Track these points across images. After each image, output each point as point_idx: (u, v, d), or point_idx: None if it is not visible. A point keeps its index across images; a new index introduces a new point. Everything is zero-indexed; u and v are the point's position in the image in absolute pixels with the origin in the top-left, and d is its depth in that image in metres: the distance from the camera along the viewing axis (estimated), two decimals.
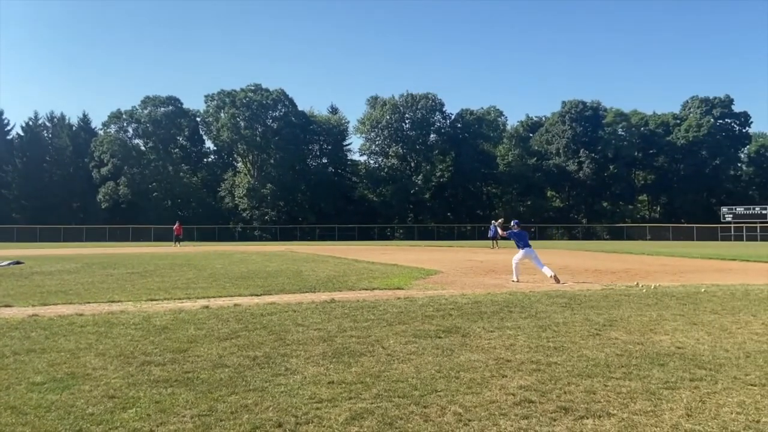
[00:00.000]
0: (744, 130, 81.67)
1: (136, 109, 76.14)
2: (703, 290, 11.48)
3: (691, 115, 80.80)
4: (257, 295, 10.99)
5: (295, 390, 4.70)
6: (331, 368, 5.41)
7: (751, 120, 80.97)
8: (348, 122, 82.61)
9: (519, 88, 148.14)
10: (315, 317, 8.29)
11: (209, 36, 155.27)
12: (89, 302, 10.02)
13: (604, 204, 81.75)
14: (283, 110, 75.49)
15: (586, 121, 79.29)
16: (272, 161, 74.54)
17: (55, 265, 19.99)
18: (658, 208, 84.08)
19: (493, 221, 20.42)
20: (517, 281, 13.80)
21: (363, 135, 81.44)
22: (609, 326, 7.59)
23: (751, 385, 4.90)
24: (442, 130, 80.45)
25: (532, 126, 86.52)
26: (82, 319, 8.14)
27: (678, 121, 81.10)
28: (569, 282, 13.69)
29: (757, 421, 4.03)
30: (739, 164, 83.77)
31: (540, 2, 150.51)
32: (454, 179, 78.49)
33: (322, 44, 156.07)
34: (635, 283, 13.14)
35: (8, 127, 76.78)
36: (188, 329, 7.36)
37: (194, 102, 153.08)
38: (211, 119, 75.72)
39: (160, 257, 25.34)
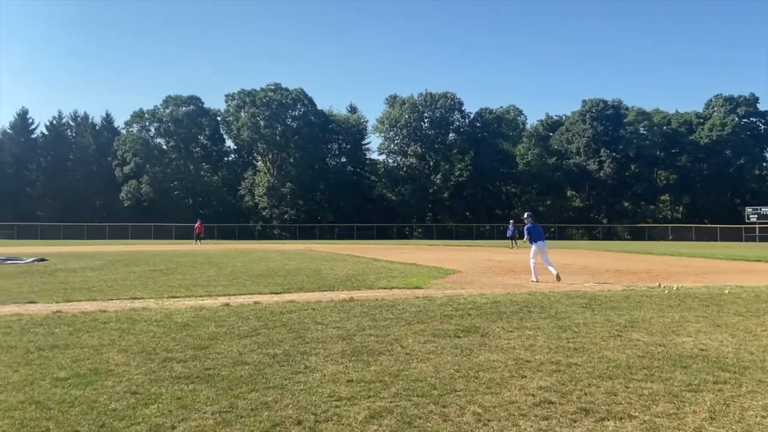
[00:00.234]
0: None
1: (158, 109, 77.04)
2: (727, 292, 11.29)
3: (715, 113, 79.45)
4: (277, 293, 11.06)
5: (315, 388, 4.72)
6: (350, 367, 5.42)
7: None
8: (367, 121, 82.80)
9: (539, 87, 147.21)
10: (334, 315, 8.32)
11: (230, 36, 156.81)
12: (112, 299, 10.17)
13: (625, 204, 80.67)
14: (302, 109, 75.77)
15: (607, 120, 78.32)
16: (292, 160, 74.87)
17: (79, 262, 20.32)
18: (681, 208, 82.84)
19: (511, 221, 20.29)
20: (537, 281, 13.69)
21: (382, 134, 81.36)
22: (630, 327, 7.49)
23: None
24: (461, 129, 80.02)
25: (552, 125, 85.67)
26: (105, 316, 8.27)
27: (701, 120, 79.76)
28: (590, 282, 13.56)
29: None
30: (765, 164, 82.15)
31: (561, 1, 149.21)
32: (473, 178, 78.10)
33: (342, 44, 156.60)
34: (657, 284, 12.94)
35: (33, 127, 78.39)
36: (209, 326, 7.43)
37: (215, 101, 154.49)
38: (231, 118, 76.28)
39: (182, 255, 25.62)
